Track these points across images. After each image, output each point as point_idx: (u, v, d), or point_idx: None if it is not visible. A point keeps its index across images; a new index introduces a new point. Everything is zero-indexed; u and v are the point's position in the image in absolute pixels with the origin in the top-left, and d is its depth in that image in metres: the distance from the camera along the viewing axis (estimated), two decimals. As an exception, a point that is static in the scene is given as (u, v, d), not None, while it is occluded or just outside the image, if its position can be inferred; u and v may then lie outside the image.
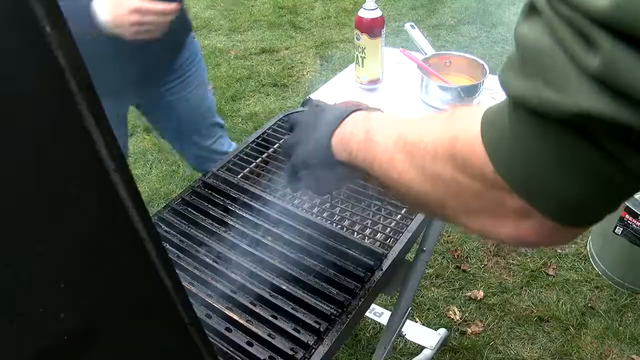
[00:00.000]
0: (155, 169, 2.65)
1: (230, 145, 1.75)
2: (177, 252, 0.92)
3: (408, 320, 1.66)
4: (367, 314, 1.68)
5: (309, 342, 0.77)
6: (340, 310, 0.81)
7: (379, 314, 1.68)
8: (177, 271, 0.86)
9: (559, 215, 0.37)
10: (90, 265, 0.35)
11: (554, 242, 0.41)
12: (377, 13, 1.27)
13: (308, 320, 0.79)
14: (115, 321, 0.39)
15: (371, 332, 1.81)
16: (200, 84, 1.60)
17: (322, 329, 0.79)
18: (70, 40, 0.26)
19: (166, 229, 0.97)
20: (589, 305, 1.85)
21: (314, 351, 0.76)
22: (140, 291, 0.39)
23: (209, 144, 1.70)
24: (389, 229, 0.98)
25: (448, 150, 0.43)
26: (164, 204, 1.05)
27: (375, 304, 1.72)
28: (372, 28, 1.26)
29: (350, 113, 0.63)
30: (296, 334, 0.78)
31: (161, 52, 1.39)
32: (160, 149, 2.78)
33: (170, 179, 2.58)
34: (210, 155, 1.70)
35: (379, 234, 0.98)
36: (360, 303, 0.83)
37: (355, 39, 1.30)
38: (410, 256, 1.17)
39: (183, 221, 0.99)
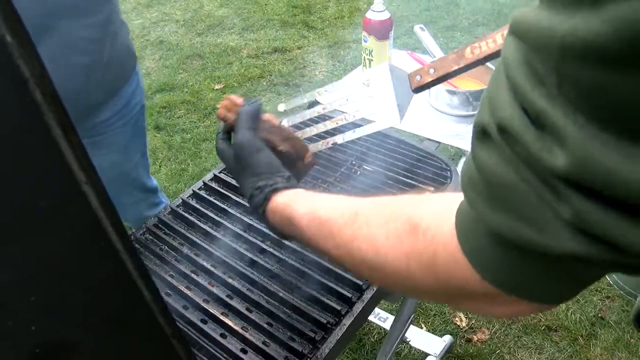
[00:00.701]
0: (164, 167, 2.66)
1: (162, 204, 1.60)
2: (175, 255, 0.92)
3: (413, 326, 1.65)
4: (372, 318, 1.66)
5: (303, 351, 0.76)
6: (337, 319, 0.80)
7: (383, 319, 1.66)
8: (175, 275, 0.86)
9: (546, 300, 0.37)
10: (63, 278, 0.34)
11: (542, 311, 0.41)
12: (385, 15, 1.25)
13: (304, 329, 0.78)
14: (92, 334, 0.38)
15: (376, 337, 1.80)
16: (119, 149, 1.36)
17: (317, 338, 0.78)
18: (32, 50, 0.25)
19: (166, 230, 0.97)
20: (599, 315, 1.82)
21: (309, 360, 0.75)
22: (118, 303, 0.38)
23: (138, 209, 1.54)
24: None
25: (429, 268, 0.41)
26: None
27: (381, 309, 1.71)
28: (379, 30, 1.24)
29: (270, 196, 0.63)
30: (291, 343, 0.76)
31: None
32: (170, 147, 2.79)
33: (180, 178, 2.58)
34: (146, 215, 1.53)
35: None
36: (358, 312, 0.82)
37: (362, 40, 1.28)
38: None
39: (182, 224, 0.98)
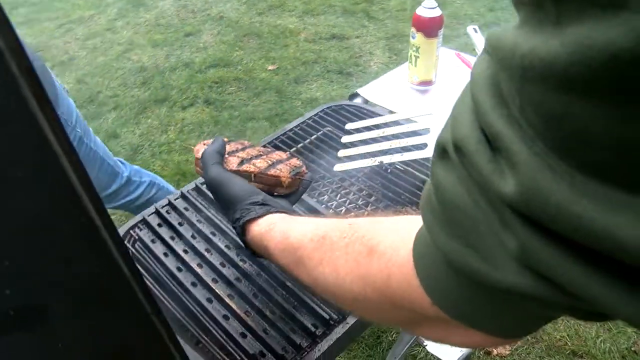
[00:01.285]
0: (208, 142, 2.70)
1: (156, 186, 1.76)
2: (192, 231, 0.93)
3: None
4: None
5: (301, 344, 0.76)
6: (340, 317, 0.79)
7: (403, 319, 1.64)
8: (189, 251, 0.86)
9: (498, 334, 0.35)
10: (39, 248, 0.35)
11: (501, 344, 0.39)
12: (437, 12, 1.22)
13: (306, 322, 0.78)
14: (69, 307, 0.39)
15: (394, 336, 1.78)
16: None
17: (318, 333, 0.77)
18: (6, 21, 0.25)
19: (187, 206, 0.98)
20: (632, 349, 1.74)
21: (305, 354, 0.74)
22: (96, 278, 0.39)
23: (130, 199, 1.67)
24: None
25: (383, 292, 0.40)
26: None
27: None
28: (428, 27, 1.21)
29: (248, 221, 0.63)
30: (291, 334, 0.76)
31: None
32: (217, 122, 2.83)
33: (222, 154, 2.62)
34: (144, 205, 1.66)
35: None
36: (363, 312, 0.81)
37: (410, 36, 1.25)
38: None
39: (205, 200, 0.99)
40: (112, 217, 1.44)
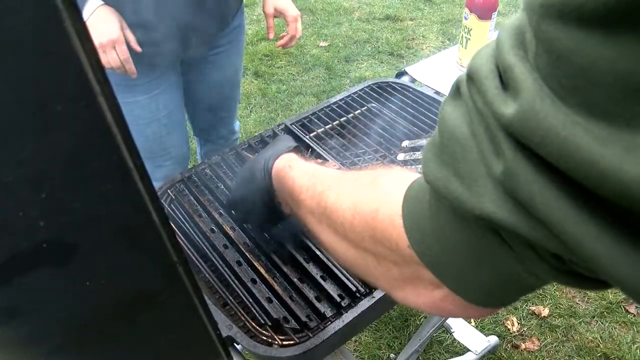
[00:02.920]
0: (254, 114, 2.72)
1: (237, 123, 1.76)
2: (228, 194, 0.94)
3: (461, 320, 1.61)
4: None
5: (326, 313, 0.76)
6: (367, 290, 0.79)
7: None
8: (224, 214, 0.87)
9: (467, 296, 0.36)
10: (73, 183, 0.35)
11: (468, 315, 0.40)
12: (494, -6, 1.18)
13: (332, 292, 0.78)
14: (97, 243, 0.40)
15: (422, 320, 1.77)
16: (240, 54, 1.54)
17: (343, 304, 0.77)
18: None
19: (225, 169, 0.99)
20: (669, 357, 1.68)
21: (330, 324, 0.75)
22: (125, 219, 0.40)
23: (232, 122, 1.69)
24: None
25: (367, 221, 0.42)
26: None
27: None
28: (482, 9, 1.18)
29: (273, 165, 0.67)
30: (316, 303, 0.77)
31: (223, 6, 1.32)
32: (265, 94, 2.84)
33: (267, 126, 2.63)
34: (229, 136, 1.70)
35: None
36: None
37: (463, 17, 1.22)
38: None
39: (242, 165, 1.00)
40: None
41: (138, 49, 1.13)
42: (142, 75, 1.21)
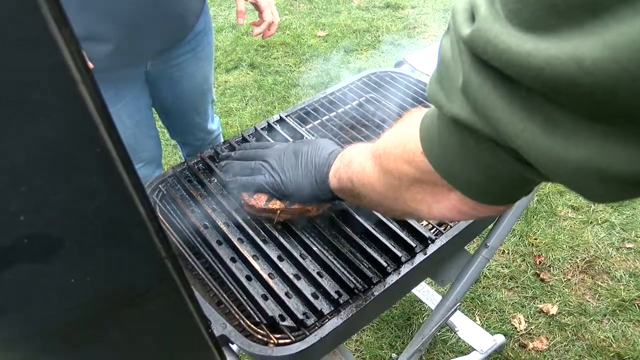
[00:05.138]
0: (250, 106, 2.72)
1: (216, 120, 1.77)
2: (222, 189, 0.94)
3: (465, 317, 1.61)
4: (425, 299, 1.64)
5: (323, 310, 0.76)
6: (366, 287, 0.79)
7: (437, 301, 1.64)
8: (217, 209, 0.88)
9: (469, 194, 0.46)
10: (55, 175, 0.35)
11: (482, 213, 0.49)
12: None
13: (329, 289, 0.78)
14: (81, 239, 0.39)
15: (425, 319, 1.77)
16: (208, 59, 1.52)
17: (341, 301, 0.77)
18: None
19: (219, 163, 0.99)
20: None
21: (327, 321, 0.75)
22: (110, 212, 0.40)
23: (207, 124, 1.69)
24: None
25: (397, 144, 0.53)
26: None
27: (438, 292, 1.68)
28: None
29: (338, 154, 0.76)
30: (313, 300, 0.77)
31: (181, 10, 1.30)
32: (261, 87, 2.84)
33: (263, 119, 2.62)
34: (206, 137, 1.71)
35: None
36: (391, 284, 0.80)
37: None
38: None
39: (237, 160, 1.00)
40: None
41: (89, 65, 1.13)
42: (104, 89, 1.20)
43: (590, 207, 2.12)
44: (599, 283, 1.87)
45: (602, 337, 1.72)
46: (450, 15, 0.40)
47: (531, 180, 0.42)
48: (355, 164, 0.66)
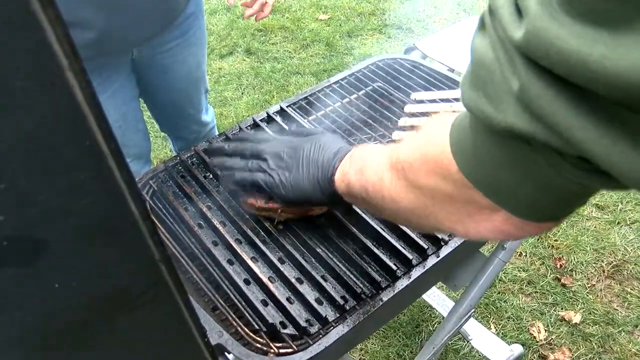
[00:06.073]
0: (246, 96, 2.72)
1: (210, 111, 1.77)
2: (217, 185, 0.94)
3: (480, 325, 1.61)
4: (435, 305, 1.64)
5: (328, 316, 0.76)
6: (374, 292, 0.79)
7: (448, 307, 1.64)
8: (213, 207, 0.87)
9: (517, 211, 0.44)
10: (39, 171, 0.35)
11: (528, 233, 0.47)
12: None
13: (334, 294, 0.78)
14: (68, 240, 0.39)
15: (435, 326, 1.78)
16: (201, 44, 1.51)
17: (347, 307, 0.77)
18: None
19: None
20: None
21: (332, 329, 0.75)
22: (100, 211, 0.39)
23: (201, 116, 1.69)
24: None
25: (424, 157, 0.51)
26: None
27: (450, 297, 1.68)
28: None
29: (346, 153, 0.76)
30: (317, 305, 0.77)
31: None
32: (258, 74, 2.84)
33: (261, 109, 2.63)
34: (200, 130, 1.71)
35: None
36: (401, 288, 0.80)
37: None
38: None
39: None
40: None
41: None
42: None
43: (618, 206, 2.12)
44: (628, 290, 1.86)
45: (634, 350, 1.71)
46: (487, 10, 0.38)
47: (592, 192, 0.41)
48: (369, 172, 0.64)
